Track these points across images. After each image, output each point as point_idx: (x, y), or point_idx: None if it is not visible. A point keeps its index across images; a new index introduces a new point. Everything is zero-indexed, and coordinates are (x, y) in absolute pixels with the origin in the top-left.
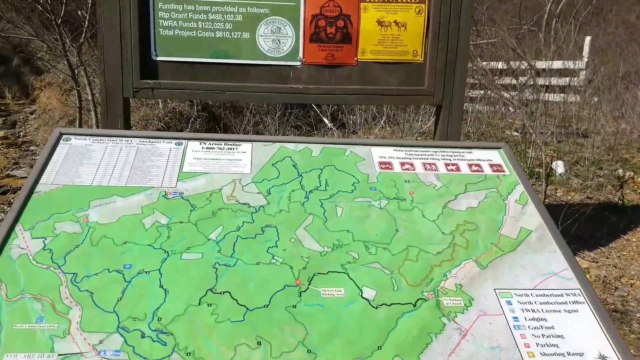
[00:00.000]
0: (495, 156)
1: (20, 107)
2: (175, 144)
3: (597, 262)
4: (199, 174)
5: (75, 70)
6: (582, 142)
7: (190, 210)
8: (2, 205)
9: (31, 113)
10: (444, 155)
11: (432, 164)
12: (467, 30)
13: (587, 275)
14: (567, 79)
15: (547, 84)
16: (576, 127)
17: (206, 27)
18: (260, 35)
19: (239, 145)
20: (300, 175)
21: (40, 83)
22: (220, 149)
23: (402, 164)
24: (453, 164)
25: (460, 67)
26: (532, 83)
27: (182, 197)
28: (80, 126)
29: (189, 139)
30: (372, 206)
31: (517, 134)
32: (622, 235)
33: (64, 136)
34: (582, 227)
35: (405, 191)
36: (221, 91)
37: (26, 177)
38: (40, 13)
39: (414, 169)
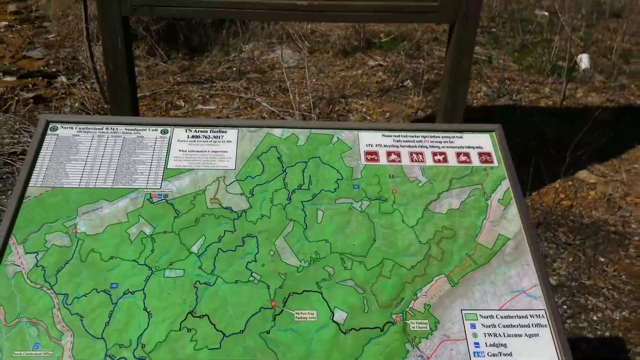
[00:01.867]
0: (486, 142)
1: None
2: (161, 132)
3: (606, 176)
4: (184, 170)
5: None
6: (614, 25)
7: (174, 217)
8: (21, 93)
9: None
10: (432, 142)
11: (420, 153)
12: None
13: (593, 192)
14: None
15: None
16: (611, 2)
17: None
18: None
19: (225, 132)
20: (285, 171)
21: None
22: (206, 137)
23: (389, 153)
24: (441, 153)
25: None
26: None
27: (167, 201)
28: (86, 19)
29: (175, 125)
30: (353, 209)
31: (545, 13)
32: (637, 145)
33: (51, 124)
34: (596, 136)
35: (388, 189)
36: (225, 8)
37: (42, 59)
38: None
39: (400, 160)
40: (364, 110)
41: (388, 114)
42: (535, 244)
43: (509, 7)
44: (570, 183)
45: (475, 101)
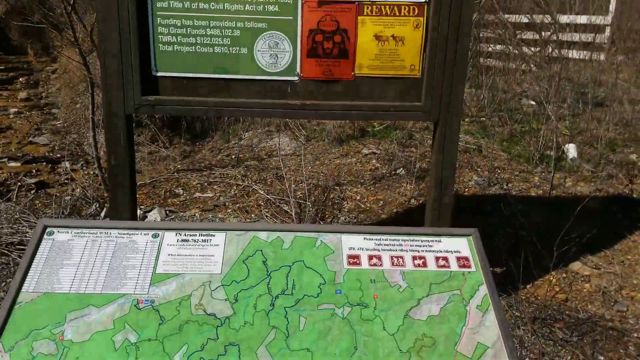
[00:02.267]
0: (464, 246)
1: (42, 65)
2: (152, 236)
3: (599, 268)
4: (171, 275)
5: (88, 57)
6: (599, 115)
7: (159, 324)
8: (24, 179)
9: (53, 72)
10: (412, 246)
11: (400, 256)
12: (466, 45)
13: (587, 285)
14: (592, 34)
15: (570, 39)
16: (593, 93)
17: (205, 42)
18: (258, 51)
19: (213, 236)
20: (269, 275)
21: (61, 41)
22: (195, 241)
23: (370, 257)
24: (421, 257)
25: (458, 83)
26: (554, 39)
27: (153, 307)
28: (93, 111)
29: (166, 229)
30: (335, 315)
31: (533, 103)
32: (628, 236)
33: (47, 229)
34: (586, 225)
35: (369, 295)
36: (221, 107)
37: (48, 145)
38: None
39: (381, 264)
40: (358, 198)
41: (382, 202)
42: (514, 352)
43: (497, 97)
44: (564, 275)
45: (466, 190)
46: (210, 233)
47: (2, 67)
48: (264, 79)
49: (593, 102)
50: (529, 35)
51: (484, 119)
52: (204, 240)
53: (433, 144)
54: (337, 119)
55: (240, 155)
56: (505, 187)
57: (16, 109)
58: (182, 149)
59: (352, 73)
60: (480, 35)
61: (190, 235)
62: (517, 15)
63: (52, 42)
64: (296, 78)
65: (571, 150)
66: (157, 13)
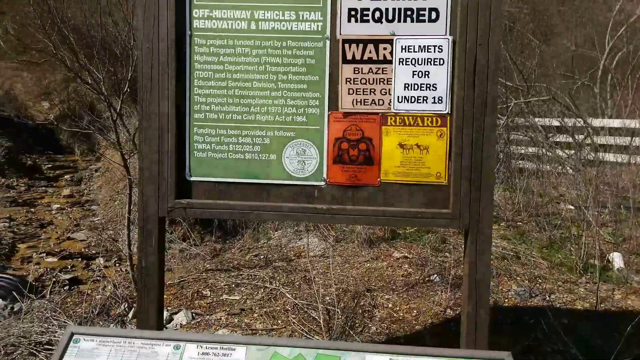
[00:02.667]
0: None
1: (86, 164)
2: (174, 348)
3: None
4: None
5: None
6: None
7: None
8: (59, 275)
9: (96, 170)
10: None
11: None
12: (492, 152)
13: None
14: (628, 138)
15: (605, 142)
16: (635, 199)
17: (237, 149)
18: (287, 157)
19: (234, 350)
20: None
21: (106, 142)
22: (215, 354)
23: None
24: None
25: (487, 189)
26: (589, 142)
27: None
28: (129, 210)
29: (188, 340)
30: None
31: (571, 207)
32: None
33: (74, 336)
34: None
35: None
36: (250, 211)
37: (84, 240)
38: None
39: None
40: (390, 305)
41: (415, 311)
42: None
43: (532, 201)
44: None
45: (506, 300)
46: (232, 347)
47: (50, 166)
48: (291, 184)
49: (635, 208)
50: (562, 138)
51: (520, 223)
52: (224, 354)
53: (465, 253)
54: (364, 224)
55: (269, 256)
56: (547, 298)
57: (59, 205)
58: (212, 247)
59: (378, 179)
60: (511, 137)
61: (212, 349)
62: (548, 119)
63: (98, 143)
64: (323, 183)
65: (617, 259)
66: (194, 123)
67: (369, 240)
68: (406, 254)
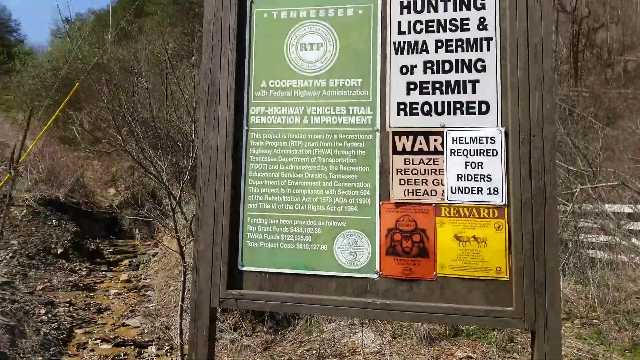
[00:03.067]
0: None
1: (145, 248)
2: None
3: None
4: None
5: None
6: None
7: None
8: None
9: (153, 255)
10: None
11: None
12: (556, 247)
13: None
14: None
15: None
16: None
17: (288, 239)
18: (338, 248)
19: None
20: None
21: (164, 230)
22: None
23: None
24: None
25: (552, 286)
26: None
27: None
28: (182, 298)
29: None
30: None
31: None
32: None
33: None
34: None
35: None
36: (300, 304)
37: (138, 327)
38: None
39: None
40: None
41: None
42: None
43: (608, 296)
44: None
45: None
46: None
47: (111, 250)
48: (343, 276)
49: None
50: (636, 225)
51: (596, 321)
52: None
53: (532, 355)
54: (420, 321)
55: (322, 351)
56: None
57: (116, 290)
58: (263, 338)
59: (434, 273)
60: (580, 225)
61: None
62: (619, 205)
63: (157, 228)
64: (375, 276)
65: None
66: (248, 213)
67: (428, 337)
68: (470, 354)
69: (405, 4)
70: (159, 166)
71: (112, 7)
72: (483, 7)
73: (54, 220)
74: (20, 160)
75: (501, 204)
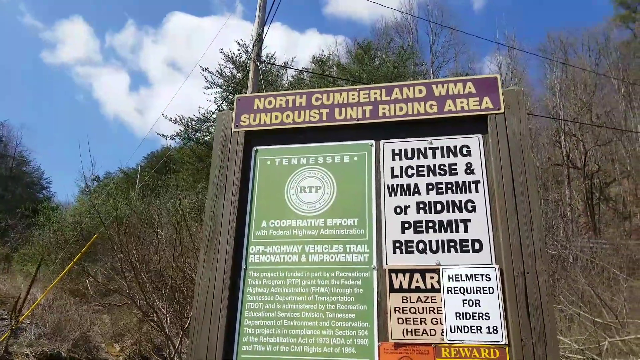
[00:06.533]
0: None
1: None
2: None
3: None
4: None
5: None
6: None
7: None
8: None
9: None
10: None
11: None
12: None
13: None
14: None
15: None
16: None
17: None
18: None
19: None
20: None
21: None
22: None
23: None
24: None
25: None
26: None
27: None
28: None
29: None
30: None
31: None
32: None
33: None
34: None
35: None
36: None
37: None
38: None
39: None
40: None
41: None
42: None
43: None
44: None
45: None
46: None
47: None
48: None
49: None
50: None
51: None
52: None
53: None
54: None
55: None
56: None
57: None
58: None
59: None
60: None
61: None
62: None
63: None
64: None
65: None
66: (241, 356)
67: None
68: None
69: (396, 152)
70: (161, 313)
71: (140, 166)
72: (469, 153)
73: None
74: (27, 314)
75: (502, 343)
